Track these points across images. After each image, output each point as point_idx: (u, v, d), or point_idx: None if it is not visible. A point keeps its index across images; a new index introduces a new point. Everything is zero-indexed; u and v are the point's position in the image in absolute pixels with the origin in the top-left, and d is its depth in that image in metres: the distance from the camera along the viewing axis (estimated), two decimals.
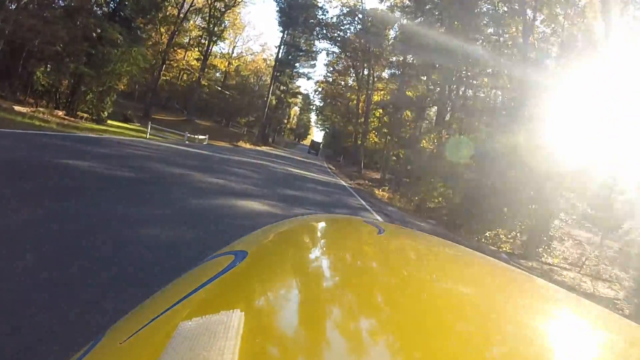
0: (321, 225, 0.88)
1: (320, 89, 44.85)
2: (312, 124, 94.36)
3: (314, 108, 57.40)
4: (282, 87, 36.45)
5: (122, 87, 26.84)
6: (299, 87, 45.87)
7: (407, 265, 0.65)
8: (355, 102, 37.46)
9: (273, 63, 37.39)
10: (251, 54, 50.91)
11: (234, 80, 51.82)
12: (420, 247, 0.80)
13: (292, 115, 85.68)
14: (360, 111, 32.23)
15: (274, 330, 0.35)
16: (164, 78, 40.37)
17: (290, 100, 42.90)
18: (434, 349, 0.35)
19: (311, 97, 51.51)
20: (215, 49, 51.57)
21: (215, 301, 0.41)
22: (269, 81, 38.68)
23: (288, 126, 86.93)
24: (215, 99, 47.32)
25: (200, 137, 18.96)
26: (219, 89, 40.04)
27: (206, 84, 36.83)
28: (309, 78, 54.43)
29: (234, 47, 50.68)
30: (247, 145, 25.99)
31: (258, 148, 26.54)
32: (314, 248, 0.70)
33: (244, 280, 0.47)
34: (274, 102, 32.84)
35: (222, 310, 0.35)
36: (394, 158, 25.01)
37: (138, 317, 0.43)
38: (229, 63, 49.28)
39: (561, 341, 0.44)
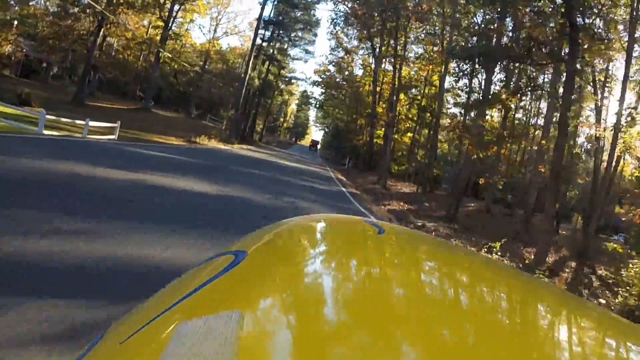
0: (321, 225, 0.85)
1: (322, 76, 36.03)
2: (311, 122, 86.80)
3: (313, 102, 48.85)
4: (269, 66, 27.21)
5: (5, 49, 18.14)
6: (293, 70, 36.69)
7: (408, 265, 0.64)
8: (368, 87, 28.61)
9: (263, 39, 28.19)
10: (237, 34, 42.06)
11: (216, 65, 43.12)
12: (420, 247, 0.79)
13: (289, 114, 78.06)
14: (378, 98, 23.22)
15: (273, 330, 0.35)
16: (121, 57, 31.61)
17: (282, 88, 33.83)
18: (434, 348, 0.35)
19: (309, 91, 42.44)
20: (193, 28, 43.01)
21: (215, 301, 0.41)
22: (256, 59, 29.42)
23: (285, 125, 79.16)
24: (193, 88, 38.82)
25: (97, 125, 9.92)
26: (188, 66, 30.69)
27: (168, 60, 27.67)
28: (307, 60, 45.01)
29: (217, 24, 41.97)
30: (212, 144, 17.07)
31: (226, 148, 17.52)
32: (313, 248, 0.69)
33: (243, 280, 0.47)
34: (256, 82, 23.73)
35: (222, 310, 0.35)
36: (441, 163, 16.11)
37: (138, 317, 0.43)
38: (212, 44, 40.58)
39: (561, 341, 0.44)
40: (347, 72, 34.58)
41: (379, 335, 0.35)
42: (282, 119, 71.87)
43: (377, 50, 23.65)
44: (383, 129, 26.02)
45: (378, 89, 23.84)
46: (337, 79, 36.25)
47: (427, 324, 0.39)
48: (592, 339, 0.48)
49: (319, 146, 69.00)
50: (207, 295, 0.42)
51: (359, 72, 33.83)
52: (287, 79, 33.89)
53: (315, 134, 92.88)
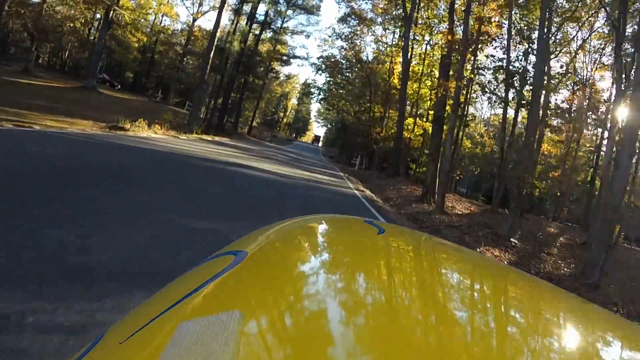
0: (321, 225, 0.85)
1: (327, 63, 29.26)
2: (313, 118, 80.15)
3: (316, 92, 42.08)
4: (261, 32, 20.37)
5: None
6: (293, 48, 29.79)
7: (407, 265, 0.64)
8: (389, 65, 21.95)
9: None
10: (227, 9, 35.09)
11: (202, 46, 36.46)
12: (420, 247, 0.79)
13: (289, 108, 71.56)
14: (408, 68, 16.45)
15: (273, 330, 0.35)
16: (70, 25, 24.85)
17: (278, 69, 27.01)
18: (434, 348, 0.35)
19: (311, 79, 35.66)
20: (175, 1, 36.12)
21: (215, 301, 0.41)
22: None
23: (285, 120, 72.62)
24: (174, 72, 32.25)
25: None
26: (152, 31, 23.68)
27: (130, 21, 20.82)
28: (309, 35, 38.00)
29: None
30: (153, 132, 10.45)
31: (163, 137, 10.74)
32: (313, 248, 0.68)
33: (243, 280, 0.47)
34: (236, 45, 16.94)
35: (222, 310, 0.35)
36: None
37: (138, 317, 0.43)
38: (195, 16, 33.80)
39: (561, 341, 0.44)
40: (354, 53, 27.88)
41: (380, 335, 0.35)
42: (281, 113, 65.58)
43: (410, 8, 16.91)
44: (411, 119, 19.31)
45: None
46: (344, 62, 29.58)
47: (427, 323, 0.40)
48: (592, 339, 0.48)
49: (320, 143, 71.32)
50: (207, 295, 0.42)
51: (369, 55, 27.32)
52: (284, 57, 27.02)
53: (317, 130, 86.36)
